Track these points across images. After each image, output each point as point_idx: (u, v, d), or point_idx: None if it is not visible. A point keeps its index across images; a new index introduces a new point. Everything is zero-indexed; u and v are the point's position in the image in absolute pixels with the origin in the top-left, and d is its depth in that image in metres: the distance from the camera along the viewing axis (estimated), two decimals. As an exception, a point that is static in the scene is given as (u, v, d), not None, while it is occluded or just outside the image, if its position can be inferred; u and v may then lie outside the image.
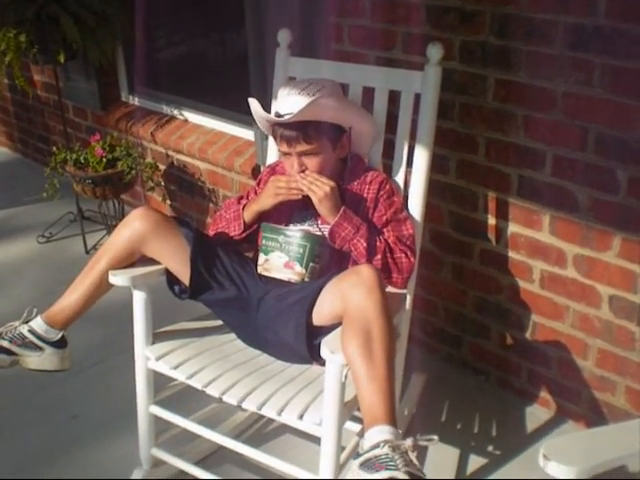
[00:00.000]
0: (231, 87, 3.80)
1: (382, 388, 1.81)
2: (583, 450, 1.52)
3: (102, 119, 4.37)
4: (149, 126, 4.04)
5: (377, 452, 1.66)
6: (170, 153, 3.96)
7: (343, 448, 2.10)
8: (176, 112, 4.04)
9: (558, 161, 2.45)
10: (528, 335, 2.73)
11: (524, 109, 2.49)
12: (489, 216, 2.70)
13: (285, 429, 2.58)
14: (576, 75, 2.33)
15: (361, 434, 1.85)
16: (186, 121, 3.98)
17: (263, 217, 2.36)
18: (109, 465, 2.53)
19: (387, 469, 1.61)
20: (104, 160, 3.66)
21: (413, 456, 1.66)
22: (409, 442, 1.68)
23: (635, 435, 1.58)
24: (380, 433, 1.73)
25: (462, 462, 2.55)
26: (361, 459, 1.67)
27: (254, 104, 2.30)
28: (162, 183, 4.04)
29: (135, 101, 4.34)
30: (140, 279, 2.24)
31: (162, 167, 4.01)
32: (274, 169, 2.51)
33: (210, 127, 3.85)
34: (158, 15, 4.09)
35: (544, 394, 2.77)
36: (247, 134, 3.55)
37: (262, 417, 2.66)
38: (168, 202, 4.06)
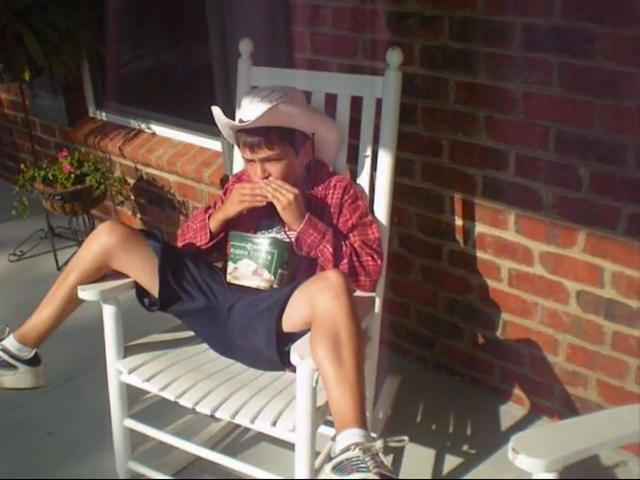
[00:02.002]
0: (198, 99, 3.81)
1: (352, 391, 1.82)
2: (552, 442, 1.53)
3: (70, 135, 4.36)
4: (117, 140, 4.04)
5: (348, 455, 1.67)
6: (139, 167, 3.96)
7: (318, 453, 2.12)
8: (143, 126, 4.04)
9: (521, 160, 2.49)
10: (499, 333, 2.75)
11: (486, 110, 2.52)
12: (456, 217, 2.73)
13: (261, 438, 2.59)
14: (535, 75, 2.37)
15: (334, 439, 1.87)
16: (154, 134, 3.98)
17: (230, 226, 2.37)
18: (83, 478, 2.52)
19: (358, 471, 1.62)
20: (72, 176, 3.64)
21: (384, 457, 1.67)
22: (379, 444, 1.69)
23: (605, 425, 1.60)
24: (351, 436, 1.74)
25: (438, 462, 2.57)
26: (333, 462, 1.68)
27: (217, 112, 2.31)
28: (132, 197, 4.04)
29: (102, 116, 4.33)
30: (109, 293, 2.24)
31: (131, 181, 4.01)
32: (240, 178, 2.52)
33: (178, 139, 3.86)
34: (123, 30, 4.08)
35: (517, 391, 2.80)
36: (215, 145, 3.55)
37: (238, 427, 2.67)
38: (138, 216, 4.06)
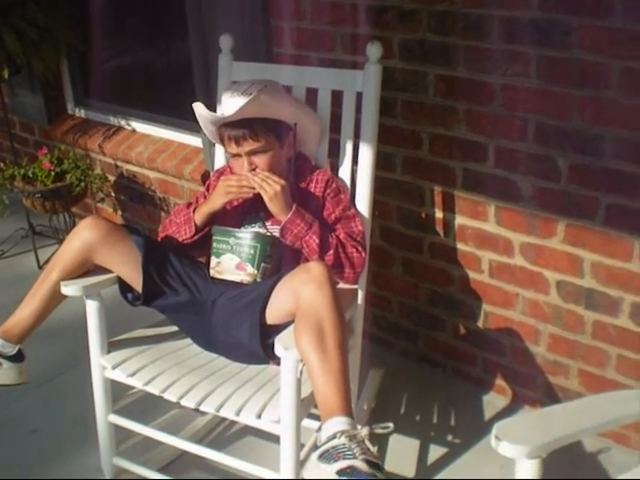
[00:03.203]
0: (178, 95, 3.80)
1: (336, 380, 1.84)
2: (535, 429, 1.56)
3: (49, 133, 4.34)
4: (97, 138, 4.03)
5: (334, 443, 1.69)
6: (119, 164, 3.95)
7: (303, 445, 2.13)
8: (123, 122, 4.03)
9: (500, 152, 2.51)
10: (481, 324, 2.78)
11: (465, 103, 2.54)
12: (436, 210, 2.75)
13: (246, 431, 2.60)
14: (513, 67, 2.39)
15: (320, 430, 1.88)
16: (134, 131, 3.98)
17: (215, 220, 2.38)
18: (72, 477, 2.51)
19: (345, 458, 1.64)
20: (52, 173, 3.63)
21: (370, 444, 1.69)
22: (365, 431, 1.71)
23: (586, 412, 1.62)
24: (336, 424, 1.76)
25: (422, 452, 2.59)
26: (319, 451, 1.70)
27: (199, 107, 2.31)
28: (112, 194, 4.03)
29: (82, 113, 4.32)
30: (92, 288, 2.24)
31: (112, 178, 4.00)
32: (222, 174, 2.52)
33: (158, 136, 3.86)
34: (102, 27, 4.07)
35: (500, 382, 2.82)
36: (195, 141, 3.56)
37: (223, 421, 2.68)
38: (119, 213, 4.05)
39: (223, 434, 2.68)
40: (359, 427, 1.76)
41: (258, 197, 2.27)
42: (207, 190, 2.52)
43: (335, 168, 2.55)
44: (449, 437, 2.67)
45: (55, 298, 2.30)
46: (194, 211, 2.39)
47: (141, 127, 3.96)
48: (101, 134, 4.04)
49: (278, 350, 1.93)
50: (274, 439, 2.07)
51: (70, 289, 2.23)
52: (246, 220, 2.40)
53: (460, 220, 2.69)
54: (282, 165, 2.36)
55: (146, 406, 2.38)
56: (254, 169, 2.29)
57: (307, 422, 2.16)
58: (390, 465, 2.51)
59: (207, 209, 2.36)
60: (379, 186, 2.65)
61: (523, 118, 2.42)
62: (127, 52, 4.32)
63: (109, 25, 4.12)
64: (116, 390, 2.35)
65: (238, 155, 2.30)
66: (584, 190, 2.36)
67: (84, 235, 2.26)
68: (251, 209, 2.37)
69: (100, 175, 3.80)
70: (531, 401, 2.75)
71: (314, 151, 2.54)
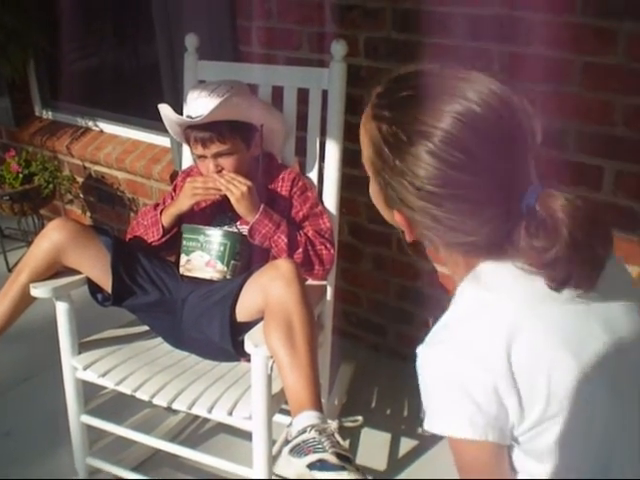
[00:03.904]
0: (145, 96, 3.79)
1: (306, 375, 1.86)
2: None
3: (16, 135, 4.31)
4: (64, 139, 4.01)
5: (305, 437, 1.71)
6: (87, 165, 3.94)
7: (276, 441, 2.15)
8: (91, 124, 4.02)
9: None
10: (449, 318, 2.80)
11: (429, 100, 2.56)
12: (404, 205, 2.77)
13: (219, 429, 2.61)
14: (477, 64, 2.40)
15: (291, 425, 1.90)
16: (102, 132, 3.97)
17: (182, 221, 2.38)
18: (46, 478, 2.52)
19: (315, 452, 1.66)
20: (20, 176, 3.62)
21: (339, 437, 1.71)
22: (335, 424, 1.74)
23: None
24: (306, 418, 1.78)
25: (393, 445, 2.61)
26: (290, 445, 1.72)
27: (164, 109, 2.32)
28: (81, 195, 4.02)
29: (49, 115, 4.30)
30: (62, 290, 2.24)
31: (80, 179, 3.99)
32: (189, 174, 2.53)
33: (126, 136, 3.85)
34: (69, 28, 4.06)
35: (469, 374, 2.85)
36: (163, 141, 3.55)
37: (196, 419, 2.69)
38: (88, 214, 4.04)
39: (196, 432, 2.69)
40: (329, 421, 1.78)
41: (226, 198, 2.28)
42: (174, 190, 2.53)
43: (303, 166, 2.57)
44: (420, 430, 2.70)
45: (24, 300, 2.30)
46: (161, 213, 2.40)
47: (109, 128, 3.95)
48: (69, 135, 4.02)
49: (248, 347, 1.94)
50: (247, 436, 2.09)
51: (39, 291, 2.23)
52: (215, 220, 2.41)
53: (427, 215, 2.71)
54: (248, 166, 2.37)
55: (119, 406, 2.39)
56: (220, 171, 2.30)
57: (279, 418, 2.18)
58: (361, 459, 2.53)
59: (174, 211, 2.37)
60: (347, 183, 2.67)
61: (487, 114, 2.45)
62: (94, 53, 4.31)
63: (76, 27, 4.11)
64: (88, 391, 2.35)
65: (204, 157, 2.31)
66: (547, 183, 2.38)
67: (53, 236, 2.26)
68: (219, 210, 2.39)
69: (68, 177, 3.79)
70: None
71: (280, 150, 2.55)
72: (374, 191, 1.15)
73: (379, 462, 2.54)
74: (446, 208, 1.00)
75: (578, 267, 0.99)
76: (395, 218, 1.09)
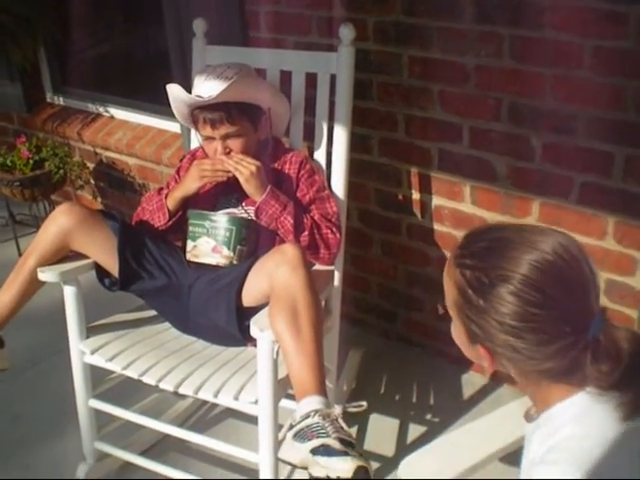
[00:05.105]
0: (155, 81, 3.76)
1: (310, 360, 1.86)
2: (437, 466, 1.53)
3: (28, 122, 4.33)
4: (75, 125, 4.02)
5: (308, 422, 1.70)
6: (98, 151, 3.95)
7: (282, 426, 2.15)
8: (102, 109, 4.02)
9: (475, 133, 2.52)
10: (459, 304, 2.79)
11: (439, 84, 2.55)
12: (413, 191, 2.76)
13: (228, 413, 2.62)
14: (486, 48, 2.40)
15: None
16: (112, 118, 3.97)
17: (188, 204, 2.38)
18: (54, 463, 2.52)
19: (318, 437, 1.66)
20: (31, 162, 3.63)
21: (343, 422, 1.71)
22: (338, 410, 1.74)
23: (491, 433, 1.62)
24: (310, 403, 1.78)
25: (402, 431, 2.61)
26: (294, 430, 1.72)
27: (174, 89, 2.30)
28: (91, 181, 4.03)
29: (60, 101, 4.30)
30: (69, 274, 2.24)
31: (91, 165, 4.00)
32: (194, 155, 2.52)
33: (137, 122, 3.85)
34: (79, 14, 4.07)
35: (479, 361, 2.84)
36: (173, 127, 3.55)
37: (205, 404, 2.70)
38: (99, 200, 4.05)
39: (204, 417, 2.70)
40: (333, 406, 1.78)
41: (233, 179, 2.27)
42: (178, 174, 2.52)
43: (311, 151, 2.56)
44: (428, 416, 2.70)
45: (33, 284, 2.31)
46: (166, 197, 2.39)
47: (119, 114, 3.95)
48: (79, 121, 4.03)
49: (254, 331, 1.94)
50: (255, 421, 2.08)
51: (47, 275, 2.23)
52: (220, 202, 2.40)
53: (437, 201, 2.71)
54: (255, 148, 2.36)
55: (127, 390, 2.40)
56: (228, 153, 2.30)
57: (286, 403, 2.18)
58: (370, 444, 2.54)
59: (180, 194, 2.36)
60: (356, 168, 2.67)
61: (497, 98, 2.43)
62: (105, 39, 4.31)
63: (86, 13, 4.12)
64: (97, 375, 2.36)
65: (212, 138, 2.30)
66: (558, 169, 2.38)
67: (60, 221, 2.26)
68: (224, 191, 2.38)
69: (79, 162, 3.80)
70: (509, 379, 2.75)
71: (283, 131, 2.55)
72: (457, 329, 1.28)
73: (387, 448, 2.54)
74: (525, 340, 1.16)
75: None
76: (478, 352, 1.24)
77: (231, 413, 2.41)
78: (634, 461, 1.15)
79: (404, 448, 2.54)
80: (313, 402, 1.78)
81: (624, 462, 1.15)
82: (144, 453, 2.48)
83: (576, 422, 1.18)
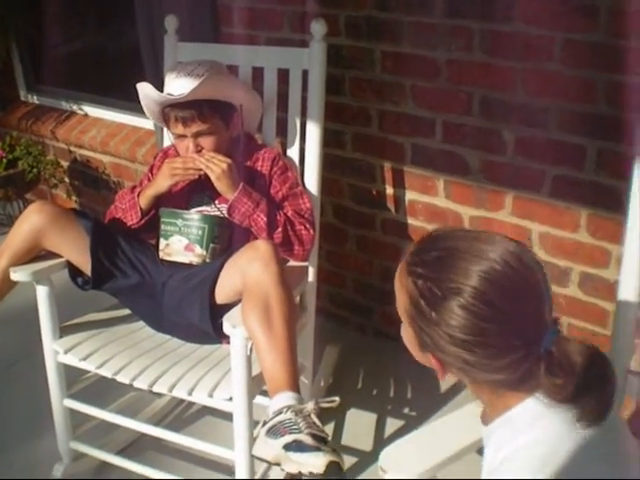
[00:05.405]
0: (129, 78, 3.73)
1: (283, 356, 1.86)
2: (418, 455, 1.53)
3: (2, 120, 4.28)
4: (49, 123, 3.99)
5: (281, 418, 1.70)
6: (72, 149, 3.92)
7: (258, 422, 2.15)
8: (75, 107, 4.00)
9: (447, 127, 2.53)
10: (434, 298, 2.80)
11: (411, 79, 2.56)
12: (387, 186, 2.77)
13: (205, 411, 2.61)
14: (457, 42, 2.41)
15: (270, 404, 1.90)
16: (86, 115, 3.95)
17: (160, 203, 2.37)
18: (30, 463, 2.50)
19: (291, 433, 1.66)
20: (4, 161, 3.61)
21: (315, 418, 1.71)
22: (311, 405, 1.73)
23: (473, 422, 1.61)
24: (283, 399, 1.78)
25: (379, 426, 2.62)
26: (267, 427, 1.72)
27: (144, 88, 2.29)
28: (66, 179, 4.00)
29: (34, 99, 4.27)
30: (42, 273, 2.23)
31: (65, 163, 3.98)
32: (167, 153, 2.51)
33: (111, 119, 3.83)
34: (52, 11, 4.04)
35: (454, 354, 2.85)
36: (147, 124, 3.53)
37: (181, 402, 2.70)
38: (74, 198, 4.03)
39: (181, 415, 2.69)
40: (305, 402, 1.78)
41: (205, 177, 2.26)
42: (151, 172, 2.51)
43: (284, 146, 2.56)
44: (406, 410, 2.70)
45: (5, 284, 2.29)
46: (139, 195, 2.38)
47: (93, 111, 3.93)
48: (53, 119, 4.00)
49: (226, 328, 1.94)
50: (231, 417, 2.07)
51: (20, 275, 2.22)
52: (193, 200, 2.39)
53: (410, 195, 2.71)
54: (227, 146, 2.36)
55: (103, 389, 2.38)
56: (199, 151, 2.29)
57: (262, 400, 2.18)
58: (347, 439, 2.54)
59: (152, 192, 2.35)
60: (330, 164, 2.66)
61: (468, 92, 2.44)
62: (78, 36, 4.28)
63: (59, 10, 4.09)
64: (73, 375, 2.35)
65: (183, 136, 2.29)
66: (530, 162, 2.39)
67: (32, 220, 2.24)
68: (197, 189, 2.37)
69: (52, 161, 3.78)
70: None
71: (255, 128, 2.54)
72: (408, 335, 1.29)
73: (365, 443, 2.54)
74: (475, 353, 1.16)
75: (592, 401, 1.15)
76: (429, 359, 1.25)
77: (208, 410, 2.41)
78: (594, 467, 1.16)
79: (382, 442, 2.54)
80: (286, 398, 1.78)
81: (584, 468, 1.15)
82: (121, 452, 2.47)
83: (530, 428, 1.18)
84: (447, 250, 1.21)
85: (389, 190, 2.77)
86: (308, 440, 1.63)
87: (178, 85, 2.27)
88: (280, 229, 2.24)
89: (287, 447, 1.64)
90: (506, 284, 1.15)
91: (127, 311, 2.43)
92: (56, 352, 2.27)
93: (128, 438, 2.54)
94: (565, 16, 2.18)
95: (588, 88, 2.22)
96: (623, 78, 2.13)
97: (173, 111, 2.28)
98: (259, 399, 2.12)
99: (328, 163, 2.53)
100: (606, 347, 2.36)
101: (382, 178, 2.76)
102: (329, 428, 2.52)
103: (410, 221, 2.75)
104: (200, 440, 2.22)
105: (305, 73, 2.45)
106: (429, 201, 2.67)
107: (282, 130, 2.57)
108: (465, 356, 1.17)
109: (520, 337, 1.14)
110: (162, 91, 2.41)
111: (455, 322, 1.15)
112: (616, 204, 2.25)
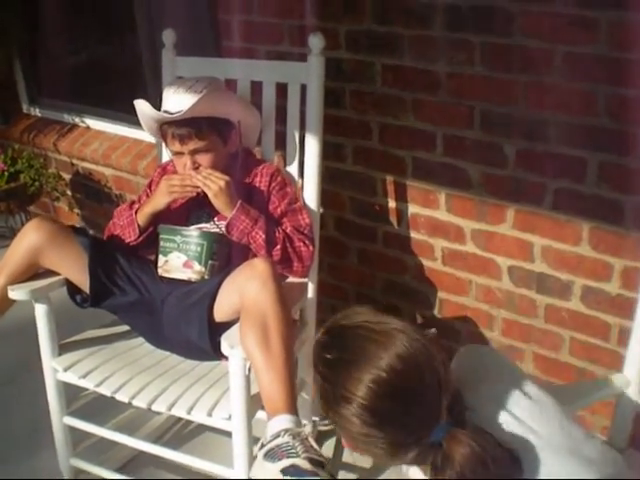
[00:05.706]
0: (131, 91, 3.75)
1: (280, 377, 1.84)
2: None
3: (5, 133, 4.29)
4: (51, 136, 3.99)
5: (278, 441, 1.69)
6: (74, 161, 3.92)
7: (258, 439, 2.13)
8: (78, 120, 4.00)
9: (448, 140, 2.51)
10: (436, 312, 2.78)
11: (412, 92, 2.53)
12: (388, 199, 2.75)
13: (204, 427, 2.58)
14: (458, 55, 2.39)
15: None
16: (88, 128, 3.95)
17: (159, 219, 2.36)
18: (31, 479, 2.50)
19: (288, 457, 1.64)
20: (6, 174, 3.61)
21: (313, 441, 1.69)
22: (308, 428, 1.73)
23: None
24: (280, 422, 1.76)
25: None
26: (265, 449, 1.70)
27: (141, 105, 2.29)
28: (68, 192, 4.00)
29: (37, 112, 4.28)
30: (40, 291, 2.23)
31: (67, 176, 3.97)
32: (165, 169, 2.51)
33: (113, 132, 3.83)
34: (55, 25, 4.04)
35: (457, 368, 2.83)
36: (149, 137, 3.49)
37: (181, 419, 2.67)
38: (76, 211, 4.02)
39: (181, 431, 2.69)
40: (304, 423, 1.76)
41: (203, 194, 2.25)
42: (149, 187, 2.51)
43: (284, 160, 2.55)
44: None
45: (3, 303, 2.29)
46: (136, 212, 2.37)
47: (96, 124, 3.94)
48: (56, 132, 4.00)
49: (224, 348, 1.93)
50: (231, 434, 2.06)
51: (18, 293, 2.22)
52: (192, 216, 2.39)
53: (412, 209, 2.70)
54: (225, 162, 2.35)
55: (103, 406, 2.37)
56: (197, 168, 2.27)
57: (263, 414, 2.15)
58: (348, 457, 2.52)
59: (150, 210, 2.34)
60: (331, 177, 2.65)
61: (469, 105, 2.42)
62: (80, 50, 4.29)
63: (61, 24, 4.09)
64: (73, 391, 2.34)
65: (181, 153, 2.28)
66: (531, 175, 2.37)
67: (30, 238, 2.24)
68: (196, 206, 2.36)
69: (54, 174, 3.78)
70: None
71: (254, 143, 2.53)
72: None
73: (364, 460, 2.51)
74: (370, 450, 1.32)
75: None
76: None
77: (208, 427, 2.38)
78: None
79: (383, 459, 2.52)
80: (283, 421, 1.76)
81: None
82: (120, 469, 2.47)
83: None
84: (346, 351, 1.32)
85: (390, 203, 2.75)
86: (305, 465, 1.61)
87: (176, 101, 2.26)
88: (279, 246, 2.23)
89: (284, 471, 1.62)
90: (392, 392, 1.26)
91: (126, 327, 2.43)
92: (55, 370, 2.27)
93: (128, 455, 2.53)
94: (566, 29, 2.16)
95: (589, 101, 2.20)
96: (624, 91, 2.12)
97: (170, 128, 2.27)
98: (259, 414, 2.11)
99: (329, 176, 2.51)
100: (608, 361, 2.37)
101: (383, 191, 2.74)
102: (329, 444, 2.49)
103: (412, 235, 2.73)
104: (199, 458, 2.22)
105: (304, 87, 2.43)
106: (431, 214, 2.65)
107: (281, 144, 2.56)
108: (363, 447, 1.33)
109: (408, 436, 1.26)
110: (161, 106, 2.41)
111: (349, 425, 1.29)
112: (618, 217, 2.23)
